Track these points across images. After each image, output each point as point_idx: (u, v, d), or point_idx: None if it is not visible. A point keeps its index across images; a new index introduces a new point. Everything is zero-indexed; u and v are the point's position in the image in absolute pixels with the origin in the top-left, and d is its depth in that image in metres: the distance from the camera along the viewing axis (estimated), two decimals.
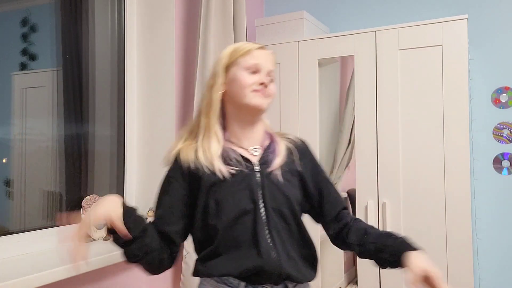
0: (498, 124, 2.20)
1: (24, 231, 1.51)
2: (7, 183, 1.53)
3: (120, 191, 1.95)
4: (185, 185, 1.13)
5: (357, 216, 2.02)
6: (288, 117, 2.21)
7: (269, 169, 1.13)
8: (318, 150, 2.15)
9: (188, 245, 1.81)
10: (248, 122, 1.17)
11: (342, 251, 2.53)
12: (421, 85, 1.93)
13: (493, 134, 2.20)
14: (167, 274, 1.90)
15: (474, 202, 2.18)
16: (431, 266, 1.01)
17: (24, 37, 1.61)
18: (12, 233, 1.48)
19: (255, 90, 1.12)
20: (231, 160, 1.11)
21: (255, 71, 1.14)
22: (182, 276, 1.83)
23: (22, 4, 1.63)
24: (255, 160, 1.14)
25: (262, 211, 1.09)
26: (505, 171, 2.17)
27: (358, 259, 2.01)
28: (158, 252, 1.08)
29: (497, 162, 2.19)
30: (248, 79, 1.12)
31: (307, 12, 2.38)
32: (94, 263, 1.42)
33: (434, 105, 1.89)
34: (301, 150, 1.22)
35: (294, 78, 2.20)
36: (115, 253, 1.51)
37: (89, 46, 1.85)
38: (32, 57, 1.62)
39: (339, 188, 2.61)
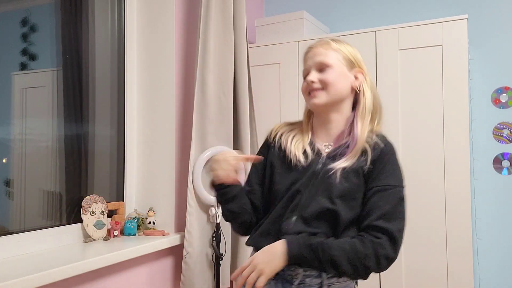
0: (498, 124, 2.20)
1: (24, 231, 1.51)
2: (7, 183, 1.53)
3: (120, 191, 1.95)
4: (266, 158, 1.25)
5: None
6: (289, 116, 2.21)
7: (330, 166, 1.14)
8: None
9: (188, 245, 1.81)
10: (321, 120, 1.23)
11: None
12: (421, 85, 1.93)
13: (493, 134, 2.20)
14: (167, 274, 1.90)
15: (474, 202, 2.18)
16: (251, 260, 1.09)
17: (24, 37, 1.61)
18: (12, 233, 1.48)
19: (308, 93, 1.20)
20: (305, 151, 1.20)
21: (307, 74, 1.21)
22: (182, 276, 1.83)
23: (22, 4, 1.63)
24: (324, 154, 1.19)
25: (303, 198, 1.13)
26: (505, 171, 2.17)
27: None
28: (250, 215, 1.22)
29: (497, 162, 2.19)
30: (302, 89, 1.23)
31: (307, 12, 2.38)
32: (94, 263, 1.42)
33: (434, 105, 1.89)
34: (378, 154, 1.14)
35: (294, 78, 2.20)
36: (115, 253, 1.51)
37: (89, 46, 1.85)
38: (32, 57, 1.62)
39: None
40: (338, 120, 1.20)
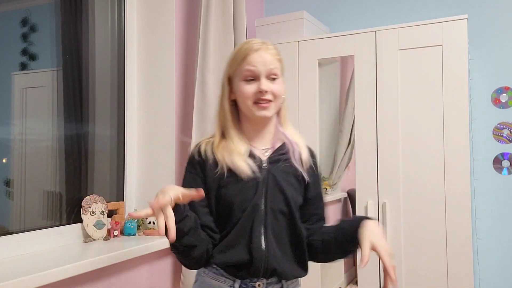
0: (498, 124, 2.20)
1: (24, 231, 1.51)
2: (7, 183, 1.53)
3: (120, 191, 1.95)
4: (204, 177, 1.16)
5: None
6: (289, 116, 2.20)
7: (276, 171, 1.16)
8: (318, 150, 2.14)
9: None
10: (259, 124, 1.20)
11: None
12: (421, 85, 1.93)
13: (493, 134, 2.20)
14: (167, 274, 1.90)
15: (474, 202, 2.18)
16: (380, 239, 1.05)
17: (24, 37, 1.61)
18: (12, 233, 1.48)
19: (255, 103, 1.14)
20: (252, 161, 1.16)
21: (252, 78, 1.14)
22: (182, 276, 1.83)
23: (22, 4, 1.63)
24: (264, 159, 1.17)
25: (262, 209, 1.13)
26: (505, 171, 2.17)
27: (358, 259, 2.01)
28: (208, 242, 1.12)
29: (497, 162, 2.19)
30: (246, 91, 1.14)
31: (307, 12, 2.38)
32: (94, 263, 1.42)
33: (434, 105, 1.89)
34: (313, 160, 1.24)
35: (294, 78, 2.20)
36: (115, 253, 1.51)
37: (89, 46, 1.85)
38: (32, 57, 1.62)
39: (339, 188, 2.61)
40: (270, 125, 1.21)
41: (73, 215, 1.71)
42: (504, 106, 2.19)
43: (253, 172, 1.13)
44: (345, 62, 2.54)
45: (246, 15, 2.07)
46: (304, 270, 1.18)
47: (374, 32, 2.03)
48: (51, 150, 1.68)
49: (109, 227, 1.75)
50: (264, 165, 1.16)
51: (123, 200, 1.94)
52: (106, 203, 1.76)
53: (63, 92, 1.72)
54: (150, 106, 1.99)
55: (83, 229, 1.68)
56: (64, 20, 1.74)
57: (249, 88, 1.14)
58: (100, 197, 1.75)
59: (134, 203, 1.98)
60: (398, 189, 1.94)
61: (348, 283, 2.57)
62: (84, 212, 1.67)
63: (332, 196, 2.54)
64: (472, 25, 2.23)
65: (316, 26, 2.43)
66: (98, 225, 1.70)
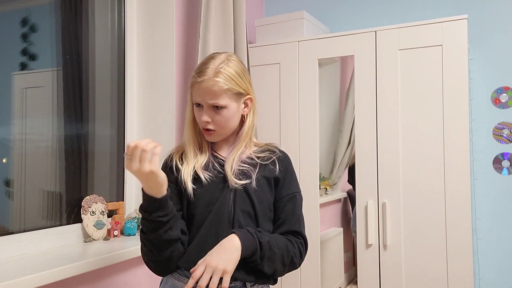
0: (498, 124, 2.20)
1: (24, 231, 1.51)
2: (7, 183, 1.53)
3: (120, 191, 1.95)
4: (176, 182, 1.22)
5: (357, 216, 2.03)
6: (288, 117, 2.21)
7: (243, 180, 1.18)
8: (318, 150, 2.15)
9: None
10: (220, 141, 1.25)
11: (343, 251, 2.53)
12: (421, 85, 1.93)
13: (493, 134, 2.20)
14: None
15: (474, 202, 2.18)
16: (205, 260, 1.06)
17: (24, 37, 1.61)
18: (12, 233, 1.48)
19: (203, 128, 1.20)
20: (213, 168, 1.20)
21: (200, 105, 1.19)
22: None
23: (22, 4, 1.63)
24: (233, 168, 1.20)
25: (231, 213, 1.16)
26: (505, 171, 2.18)
27: (358, 259, 2.01)
28: (181, 243, 1.16)
29: (497, 162, 2.19)
30: (197, 117, 1.20)
31: (307, 12, 2.38)
32: (94, 263, 1.42)
33: (434, 105, 1.89)
34: (284, 166, 1.25)
35: (294, 78, 2.20)
36: (115, 253, 1.51)
37: (89, 46, 1.85)
38: (32, 57, 1.62)
39: (339, 188, 2.61)
40: (234, 139, 1.25)
41: (73, 215, 1.71)
42: (504, 106, 2.19)
43: (219, 180, 1.18)
44: (345, 62, 2.54)
45: (246, 15, 2.07)
46: (267, 276, 1.17)
47: (374, 32, 2.03)
48: (51, 150, 1.68)
49: (109, 227, 1.75)
50: (234, 175, 1.18)
51: (123, 200, 1.94)
52: (106, 203, 1.76)
53: (63, 92, 1.72)
54: (150, 106, 1.99)
55: (83, 229, 1.68)
56: (64, 20, 1.74)
57: (197, 114, 1.19)
58: (100, 197, 1.75)
59: (134, 203, 1.98)
60: (398, 189, 1.94)
61: (348, 283, 2.57)
62: (84, 212, 1.67)
63: (332, 196, 2.54)
64: (472, 25, 2.23)
65: (316, 26, 2.43)
66: (98, 225, 1.70)
